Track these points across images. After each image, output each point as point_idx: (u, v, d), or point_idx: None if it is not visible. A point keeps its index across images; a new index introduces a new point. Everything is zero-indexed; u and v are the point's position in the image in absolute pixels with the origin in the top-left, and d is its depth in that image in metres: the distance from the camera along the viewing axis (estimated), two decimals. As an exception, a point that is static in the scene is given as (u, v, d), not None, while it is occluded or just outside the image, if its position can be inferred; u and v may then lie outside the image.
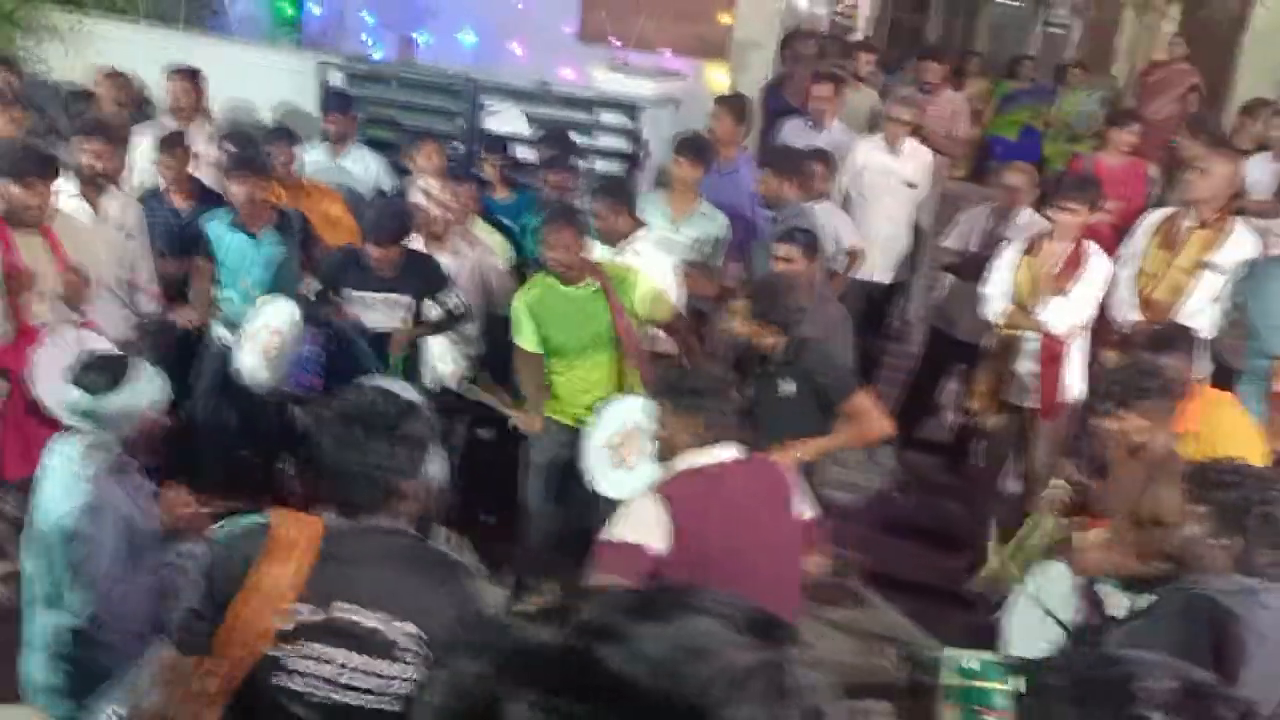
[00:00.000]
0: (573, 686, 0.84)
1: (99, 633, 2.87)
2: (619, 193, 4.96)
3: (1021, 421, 5.12)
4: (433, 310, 4.77)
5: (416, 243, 4.84)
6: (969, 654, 2.68)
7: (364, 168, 6.06)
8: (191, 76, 6.06)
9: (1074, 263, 4.92)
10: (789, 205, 5.24)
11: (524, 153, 6.23)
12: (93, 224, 4.78)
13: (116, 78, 6.36)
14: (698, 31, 7.83)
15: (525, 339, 4.45)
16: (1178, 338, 3.98)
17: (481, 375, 5.10)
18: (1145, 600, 3.28)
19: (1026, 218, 5.61)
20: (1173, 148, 7.09)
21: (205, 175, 5.81)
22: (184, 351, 5.31)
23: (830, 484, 5.54)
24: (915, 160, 6.35)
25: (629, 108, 6.33)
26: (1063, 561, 3.45)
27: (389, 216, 4.61)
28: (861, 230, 6.05)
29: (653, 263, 4.75)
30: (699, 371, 3.08)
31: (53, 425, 3.14)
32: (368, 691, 2.13)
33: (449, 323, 4.83)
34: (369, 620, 2.13)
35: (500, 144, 5.94)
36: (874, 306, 6.40)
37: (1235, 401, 4.08)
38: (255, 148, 5.33)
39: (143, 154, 5.58)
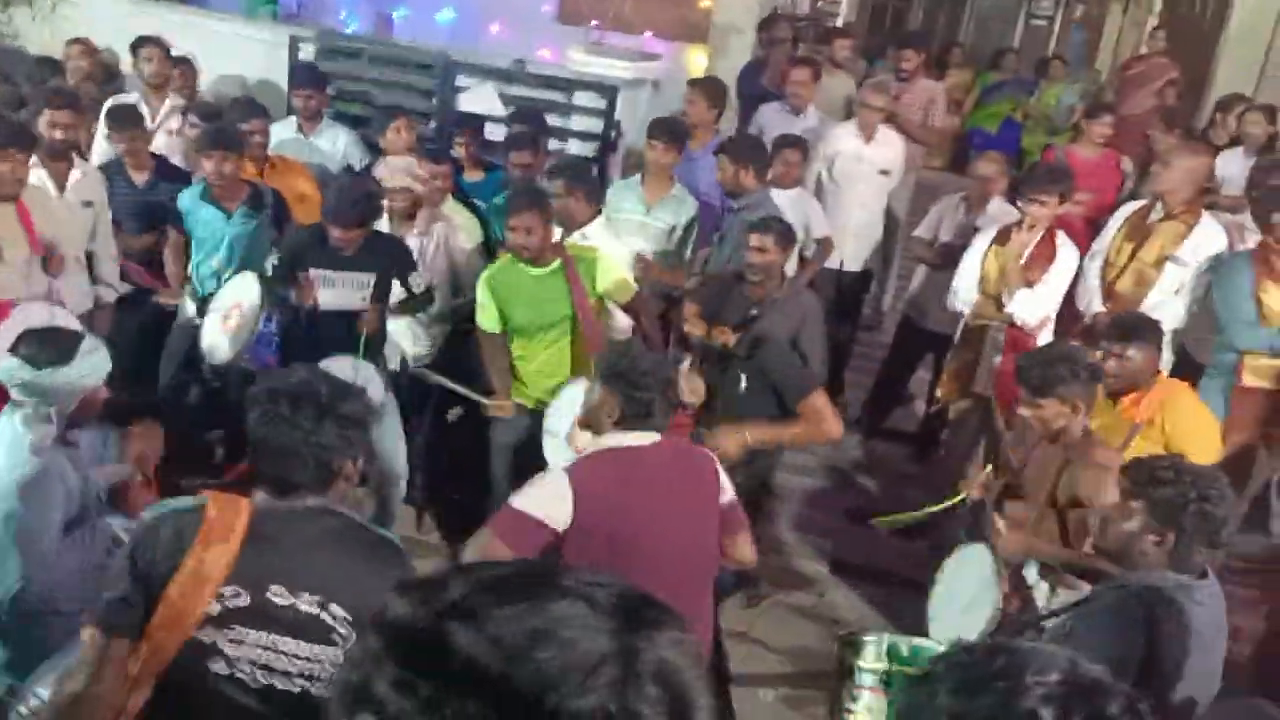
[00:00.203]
0: (423, 666, 0.82)
1: (36, 605, 2.83)
2: (577, 176, 4.91)
3: (988, 411, 5.12)
4: (396, 290, 4.72)
5: (383, 222, 4.79)
6: (904, 639, 2.67)
7: (333, 144, 5.99)
8: (158, 47, 5.98)
9: (1044, 254, 4.92)
10: (748, 193, 5.16)
11: (497, 132, 6.18)
12: (57, 195, 4.73)
13: (85, 48, 6.29)
14: (678, 14, 7.80)
15: (486, 319, 4.42)
16: (1143, 327, 3.97)
17: (447, 356, 5.07)
18: (1071, 592, 3.31)
19: (998, 207, 5.61)
20: (1150, 141, 7.11)
21: (173, 149, 5.77)
22: (155, 325, 5.28)
23: (791, 469, 5.55)
24: (888, 148, 6.32)
25: (604, 89, 6.29)
26: (983, 545, 3.45)
27: (351, 199, 4.51)
28: (834, 218, 6.02)
29: (603, 249, 4.70)
30: (636, 355, 3.05)
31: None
32: (304, 676, 2.11)
33: (413, 304, 4.78)
34: (304, 604, 2.11)
35: (472, 123, 5.88)
36: (846, 295, 6.38)
37: (1193, 392, 4.09)
38: (223, 122, 5.26)
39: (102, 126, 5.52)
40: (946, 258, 5.58)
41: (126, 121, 5.25)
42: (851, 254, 6.29)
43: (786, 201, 5.67)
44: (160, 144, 5.87)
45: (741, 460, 3.93)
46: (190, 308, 5.04)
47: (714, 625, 3.94)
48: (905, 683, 2.57)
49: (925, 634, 4.02)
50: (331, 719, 0.89)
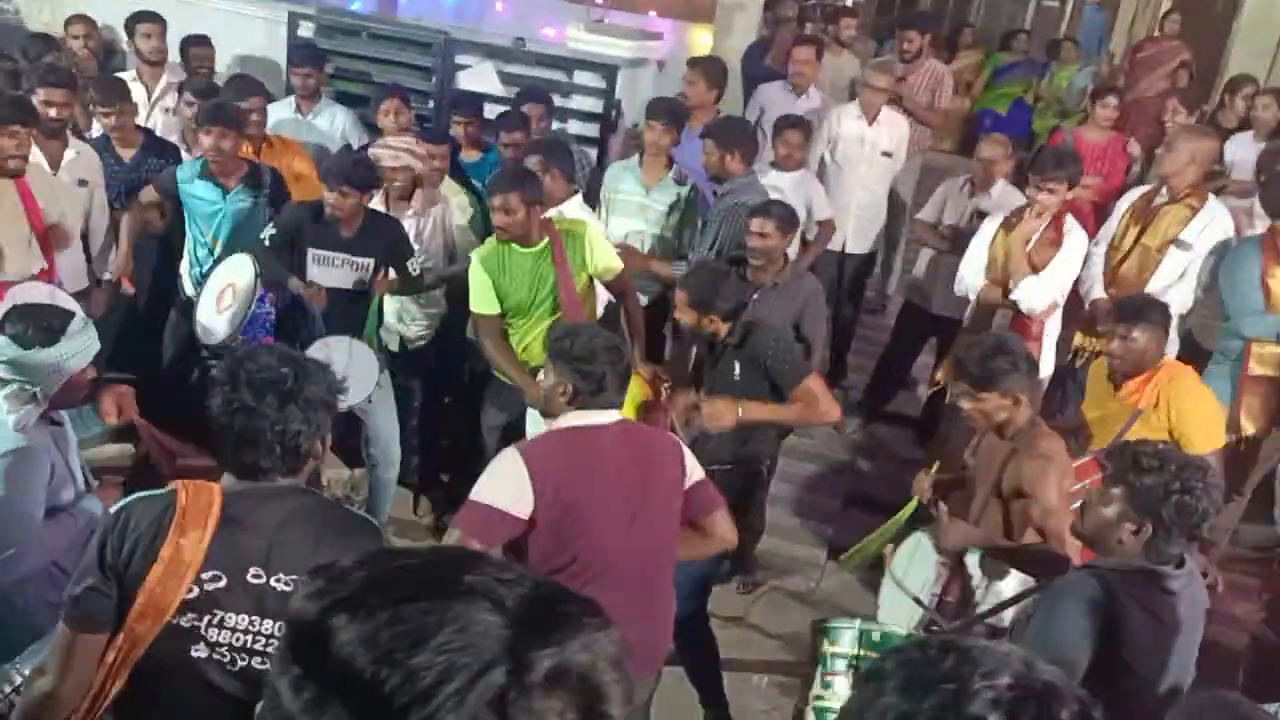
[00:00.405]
0: (308, 664, 0.78)
1: (24, 584, 2.81)
2: (553, 153, 4.85)
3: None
4: (392, 273, 4.70)
5: (377, 201, 4.75)
6: (876, 626, 2.64)
7: (331, 123, 5.95)
8: (156, 23, 5.93)
9: (1052, 240, 4.85)
10: (734, 177, 5.06)
11: (496, 111, 6.11)
12: (51, 174, 4.69)
13: (84, 26, 6.26)
14: (683, -6, 7.72)
15: (482, 303, 4.37)
16: (1149, 308, 3.90)
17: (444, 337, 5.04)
18: (1007, 581, 3.29)
19: (1002, 190, 5.54)
20: (1163, 124, 7.02)
21: (170, 127, 5.74)
22: (153, 304, 5.27)
23: (792, 454, 5.52)
24: (892, 129, 6.25)
25: (604, 68, 6.22)
26: (927, 535, 3.40)
27: (349, 164, 4.51)
28: (836, 200, 5.96)
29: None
30: (581, 331, 3.00)
31: None
32: None
33: (409, 287, 4.75)
34: (281, 585, 2.09)
35: (471, 102, 5.82)
36: (848, 278, 6.32)
37: (1196, 377, 4.02)
38: (220, 99, 5.22)
39: None
40: (951, 241, 5.52)
41: (113, 94, 5.19)
42: (854, 236, 6.22)
43: (788, 183, 5.62)
44: (157, 122, 5.84)
45: (735, 439, 3.90)
46: (189, 286, 5.01)
47: (703, 611, 3.94)
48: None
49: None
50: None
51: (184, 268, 5.07)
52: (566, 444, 2.85)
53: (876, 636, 2.57)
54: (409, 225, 4.80)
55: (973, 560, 3.36)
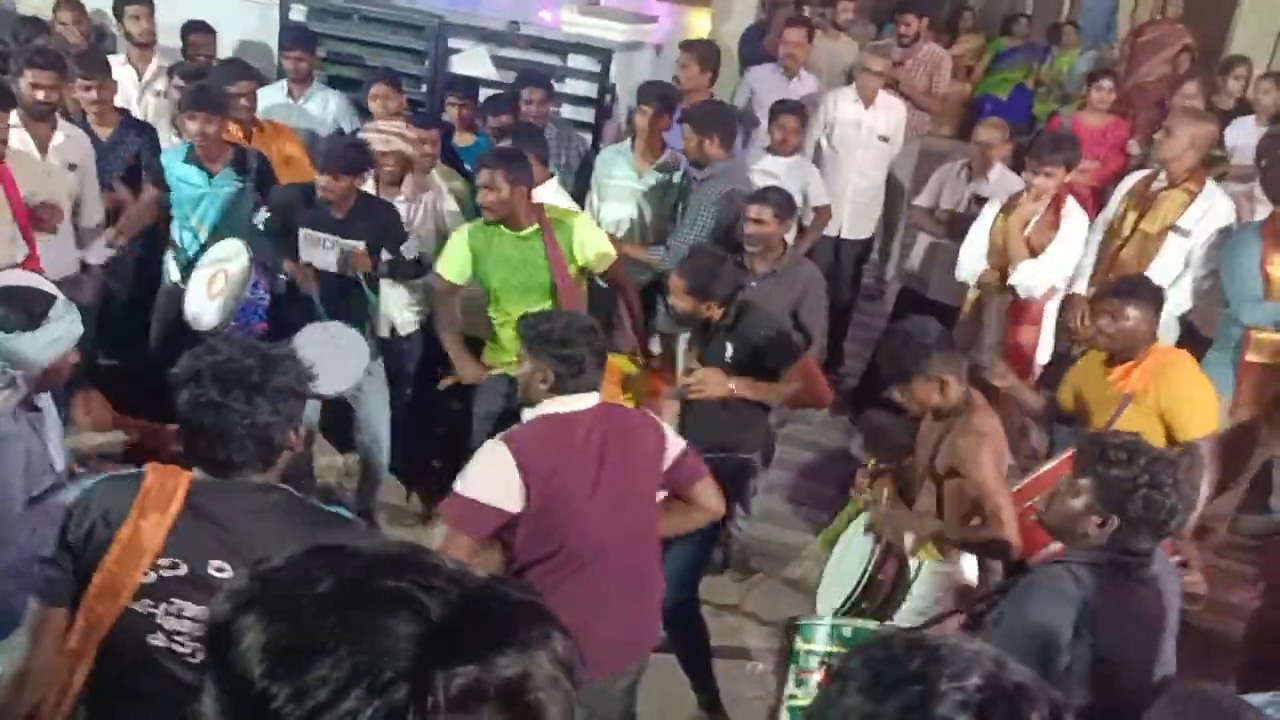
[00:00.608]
0: (218, 667, 0.74)
1: (6, 573, 2.78)
2: (527, 136, 4.81)
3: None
4: (386, 257, 4.65)
5: (368, 186, 4.70)
6: (848, 622, 2.60)
7: (324, 107, 5.90)
8: (145, 5, 5.87)
9: (1051, 223, 4.81)
10: (713, 162, 4.99)
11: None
12: (39, 158, 4.64)
13: (74, 10, 6.20)
14: (681, -24, 7.62)
15: (450, 267, 4.34)
16: (1142, 287, 3.84)
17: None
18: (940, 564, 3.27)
19: (1000, 174, 5.49)
20: (1164, 108, 6.95)
21: (160, 110, 5.69)
22: (138, 289, 5.22)
23: (787, 441, 5.48)
24: (889, 114, 6.20)
25: (598, 52, 6.16)
26: (869, 518, 3.38)
27: (341, 148, 4.48)
28: (832, 185, 5.92)
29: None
30: (554, 315, 2.98)
31: None
32: None
33: (403, 271, 4.71)
34: None
35: (466, 84, 5.77)
36: (845, 264, 6.27)
37: (1190, 360, 3.96)
38: (208, 82, 5.16)
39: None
40: (949, 226, 5.47)
41: (95, 68, 5.14)
42: (850, 222, 6.18)
43: (783, 169, 5.57)
44: (149, 105, 5.80)
45: (725, 426, 3.87)
46: (174, 271, 4.96)
47: (695, 599, 3.91)
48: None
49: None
50: None
51: (169, 253, 5.02)
52: (549, 431, 2.82)
53: (848, 633, 2.52)
54: (400, 211, 4.75)
55: (908, 541, 3.34)
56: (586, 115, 6.25)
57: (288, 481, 2.26)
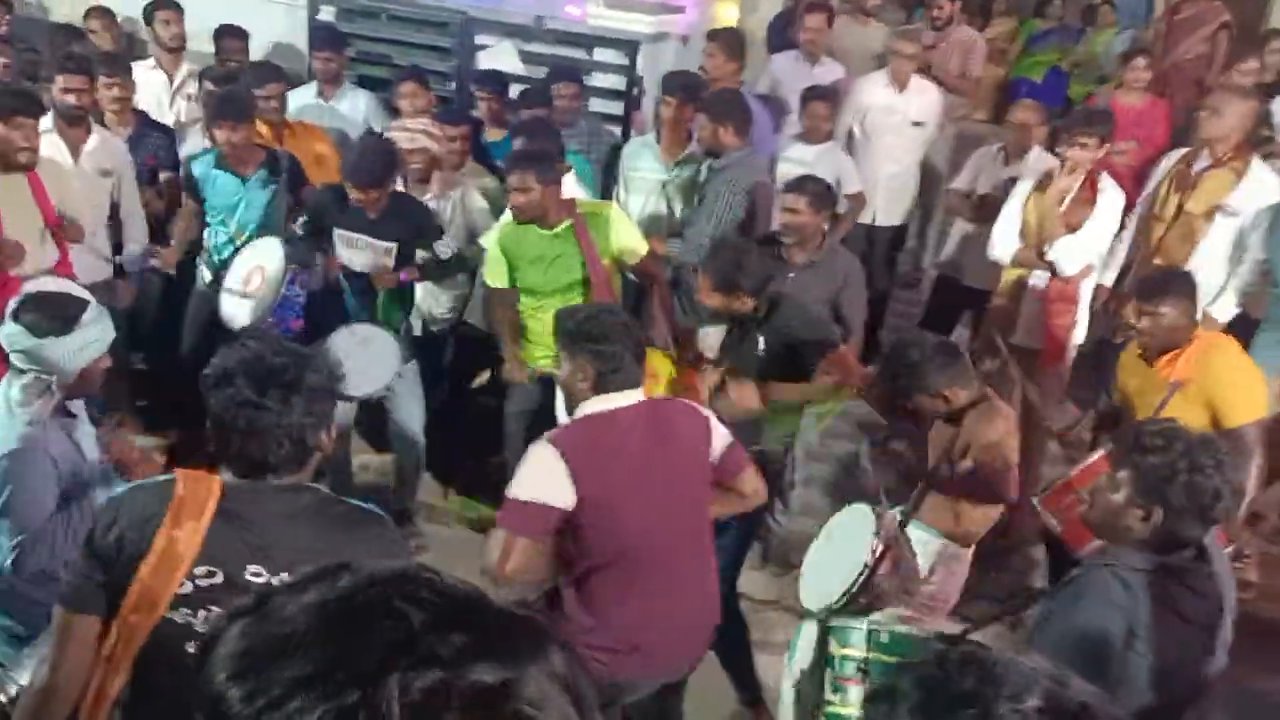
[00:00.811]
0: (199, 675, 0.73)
1: (35, 577, 2.79)
2: (541, 130, 4.79)
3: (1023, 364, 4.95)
4: (421, 255, 4.64)
5: (396, 183, 4.69)
6: (885, 625, 2.51)
7: (354, 107, 5.90)
8: (174, 9, 5.90)
9: (1086, 199, 4.72)
10: (728, 151, 4.92)
11: (519, 91, 6.03)
12: (72, 164, 4.67)
13: (104, 19, 6.25)
14: (708, -34, 7.55)
15: (494, 274, 4.34)
16: (1174, 281, 3.76)
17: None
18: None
19: (1037, 157, 5.39)
20: (1203, 88, 6.81)
21: (192, 114, 5.71)
22: (171, 293, 5.24)
23: (825, 433, 5.42)
24: (922, 98, 6.11)
25: (625, 44, 6.12)
26: (866, 505, 3.30)
27: (368, 159, 4.45)
28: (864, 172, 5.85)
29: None
30: (589, 312, 2.94)
31: None
32: None
33: (439, 271, 4.70)
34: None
35: (495, 80, 5.75)
36: (879, 251, 6.20)
37: (1235, 346, 3.86)
38: (237, 87, 5.18)
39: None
40: (985, 210, 5.38)
41: (117, 68, 5.16)
42: (884, 209, 6.11)
43: (815, 156, 5.51)
44: (180, 109, 5.82)
45: (747, 435, 3.82)
46: (207, 274, 4.98)
47: (734, 594, 3.87)
48: (882, 673, 2.42)
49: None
50: None
51: (200, 256, 5.03)
52: (594, 430, 2.80)
53: (885, 638, 2.43)
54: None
55: (918, 537, 3.28)
56: (614, 108, 6.21)
57: (324, 480, 2.24)
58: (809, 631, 2.88)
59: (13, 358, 2.92)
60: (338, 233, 4.53)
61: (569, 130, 5.39)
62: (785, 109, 6.12)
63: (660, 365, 4.32)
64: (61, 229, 4.30)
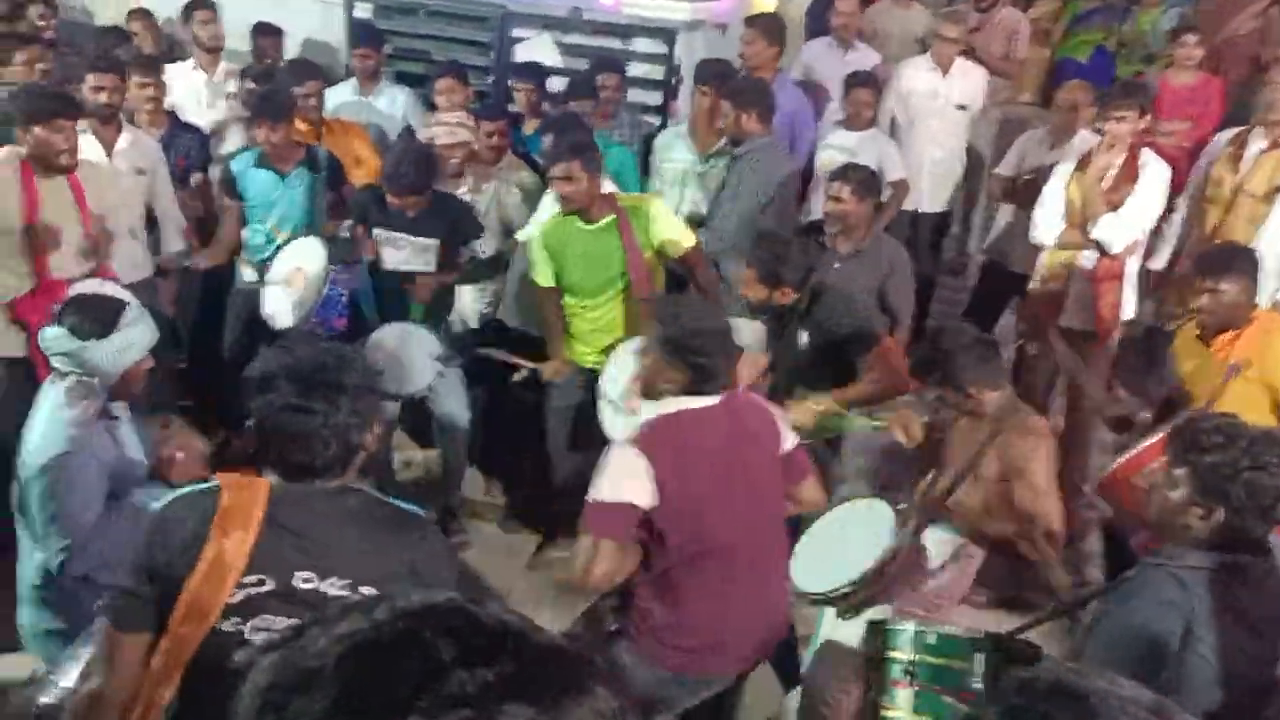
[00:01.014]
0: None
1: (79, 578, 2.81)
2: (569, 124, 4.75)
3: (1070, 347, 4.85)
4: (461, 255, 4.64)
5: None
6: (932, 627, 2.44)
7: (392, 104, 5.90)
8: (211, 9, 5.92)
9: (1128, 174, 4.61)
10: (752, 138, 4.84)
11: (559, 84, 6.00)
12: (107, 163, 4.70)
13: (145, 20, 6.29)
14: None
15: (541, 274, 4.31)
16: (1236, 257, 3.65)
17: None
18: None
19: (1084, 140, 5.26)
20: (1258, 64, 6.64)
21: (233, 113, 5.73)
22: (212, 292, 5.27)
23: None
24: (966, 81, 6.01)
25: (662, 32, 6.06)
26: (884, 501, 3.24)
27: (406, 164, 4.44)
28: (908, 157, 5.76)
29: None
30: (689, 317, 2.88)
31: None
32: None
33: (477, 273, 4.69)
34: (333, 589, 2.00)
35: (533, 72, 5.72)
36: (923, 238, 6.10)
37: None
38: (277, 85, 5.19)
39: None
40: (1030, 195, 5.27)
41: (150, 68, 5.18)
42: (928, 195, 6.02)
43: (857, 143, 5.43)
44: (220, 108, 5.85)
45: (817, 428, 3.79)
46: (248, 273, 5.00)
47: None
48: (928, 677, 2.36)
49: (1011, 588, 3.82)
50: None
51: (242, 254, 5.05)
52: (674, 428, 2.76)
53: (932, 639, 2.36)
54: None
55: (936, 533, 3.23)
56: (652, 98, 6.15)
57: (368, 479, 2.22)
58: (831, 624, 2.86)
59: (55, 360, 2.95)
60: (378, 232, 4.54)
61: (612, 121, 5.36)
62: (826, 95, 6.04)
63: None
64: (101, 230, 4.33)
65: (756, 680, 3.67)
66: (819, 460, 3.96)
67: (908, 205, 5.84)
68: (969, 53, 6.21)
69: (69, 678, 2.35)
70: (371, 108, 5.86)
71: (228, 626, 1.99)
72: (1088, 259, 4.71)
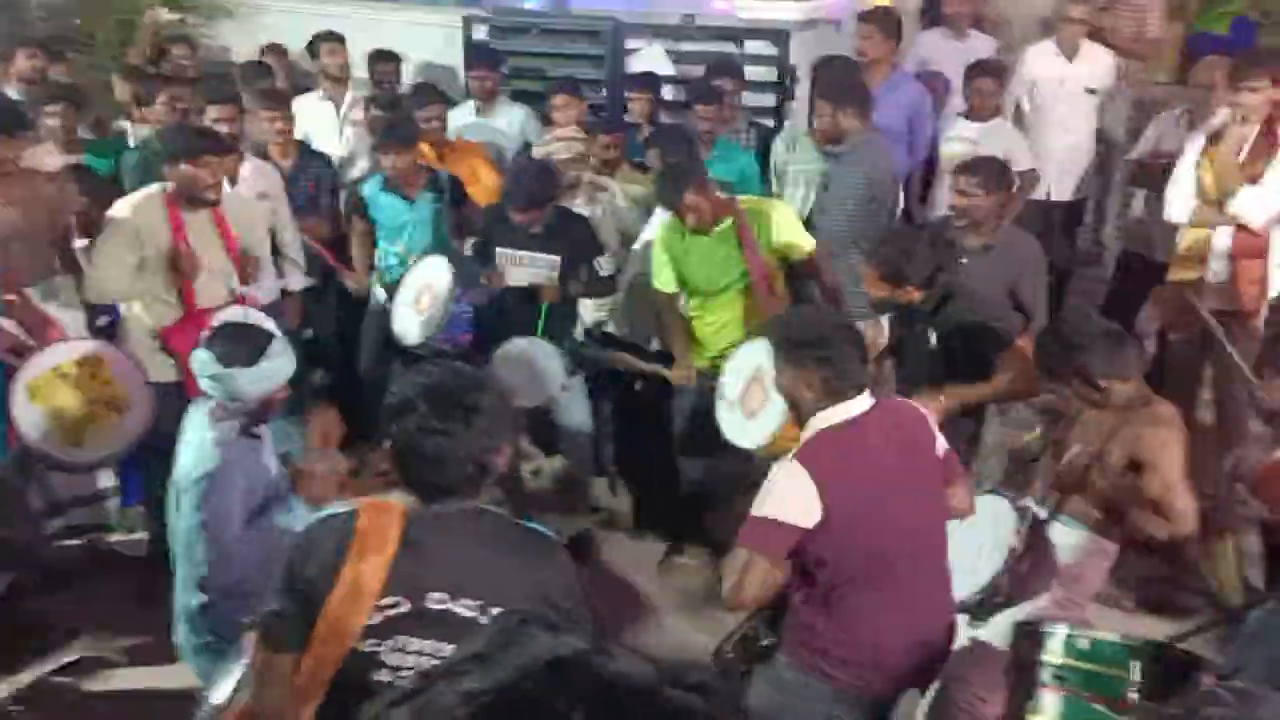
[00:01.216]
0: None
1: (225, 594, 2.93)
2: (673, 136, 4.75)
3: (1206, 339, 4.60)
4: (583, 273, 4.69)
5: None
6: (1084, 632, 2.33)
7: (510, 123, 6.00)
8: (338, 40, 6.13)
9: (1266, 146, 4.38)
10: (849, 136, 4.73)
11: (674, 94, 6.02)
12: (239, 192, 4.89)
13: (277, 53, 6.55)
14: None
15: (662, 280, 4.35)
16: None
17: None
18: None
19: (1224, 117, 4.99)
20: None
21: (361, 139, 5.91)
22: (347, 312, 5.45)
23: (1007, 423, 5.17)
24: (1094, 64, 5.79)
25: (776, 34, 6.01)
26: (1004, 498, 3.13)
27: (524, 181, 4.55)
28: (1036, 146, 5.58)
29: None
30: (813, 320, 2.82)
31: None
32: None
33: (597, 289, 4.74)
34: (464, 610, 2.04)
35: (647, 81, 5.74)
36: (1055, 229, 5.89)
37: None
38: (401, 113, 5.34)
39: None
40: (1160, 178, 5.03)
41: (278, 101, 5.38)
42: (1058, 183, 5.82)
43: (980, 133, 5.29)
44: (348, 136, 6.04)
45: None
46: (380, 294, 5.16)
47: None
48: (1079, 682, 2.25)
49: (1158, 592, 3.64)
50: None
51: (374, 275, 5.21)
52: (837, 441, 2.67)
53: (1084, 644, 2.26)
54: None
55: (1060, 531, 3.09)
56: (766, 101, 6.11)
57: (495, 488, 2.25)
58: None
59: (201, 383, 3.09)
60: (502, 251, 4.63)
61: (733, 125, 5.35)
62: (945, 87, 5.91)
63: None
64: (244, 259, 4.51)
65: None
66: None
67: (1038, 195, 5.65)
68: (1096, 34, 5.98)
69: (221, 694, 2.44)
70: (491, 128, 5.98)
71: (365, 647, 2.04)
72: (1225, 235, 4.48)
